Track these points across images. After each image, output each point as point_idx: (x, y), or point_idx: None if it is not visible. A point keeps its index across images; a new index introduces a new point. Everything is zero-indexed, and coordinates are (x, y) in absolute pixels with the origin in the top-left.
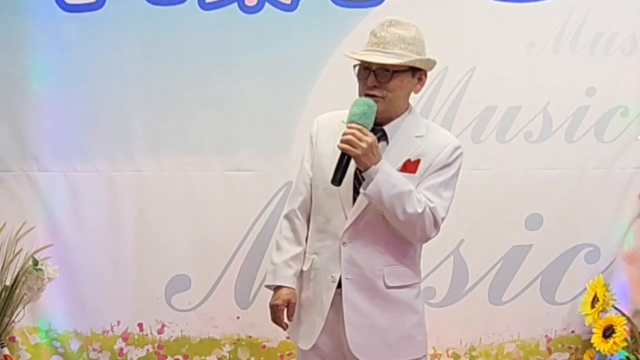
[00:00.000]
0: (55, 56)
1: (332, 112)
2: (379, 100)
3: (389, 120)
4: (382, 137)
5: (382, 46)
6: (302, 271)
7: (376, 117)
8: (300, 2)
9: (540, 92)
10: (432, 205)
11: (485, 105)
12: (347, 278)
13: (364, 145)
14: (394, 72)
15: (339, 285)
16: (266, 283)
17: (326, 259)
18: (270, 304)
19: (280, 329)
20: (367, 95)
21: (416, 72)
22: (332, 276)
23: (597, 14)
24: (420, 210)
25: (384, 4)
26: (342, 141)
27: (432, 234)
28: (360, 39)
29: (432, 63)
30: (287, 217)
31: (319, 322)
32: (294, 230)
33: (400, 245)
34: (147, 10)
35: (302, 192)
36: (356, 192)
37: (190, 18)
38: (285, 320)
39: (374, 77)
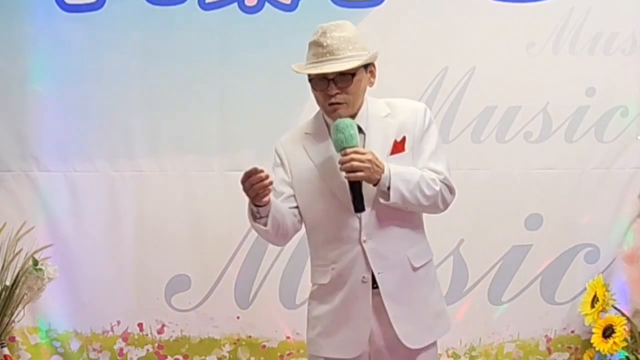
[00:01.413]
0: (55, 56)
1: (287, 131)
2: (343, 106)
3: (354, 115)
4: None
5: (334, 54)
6: (320, 285)
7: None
8: (300, 2)
9: (540, 92)
10: (442, 176)
11: (485, 105)
12: (379, 273)
13: (367, 164)
14: (353, 74)
15: (373, 284)
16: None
17: (349, 263)
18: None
19: (280, 328)
20: (330, 104)
21: (367, 67)
22: (363, 277)
23: (597, 14)
24: (437, 188)
25: (384, 4)
26: (346, 171)
27: (451, 200)
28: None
29: (376, 54)
30: None
31: (365, 325)
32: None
33: (411, 223)
34: (147, 10)
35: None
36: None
37: (190, 18)
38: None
39: (334, 84)
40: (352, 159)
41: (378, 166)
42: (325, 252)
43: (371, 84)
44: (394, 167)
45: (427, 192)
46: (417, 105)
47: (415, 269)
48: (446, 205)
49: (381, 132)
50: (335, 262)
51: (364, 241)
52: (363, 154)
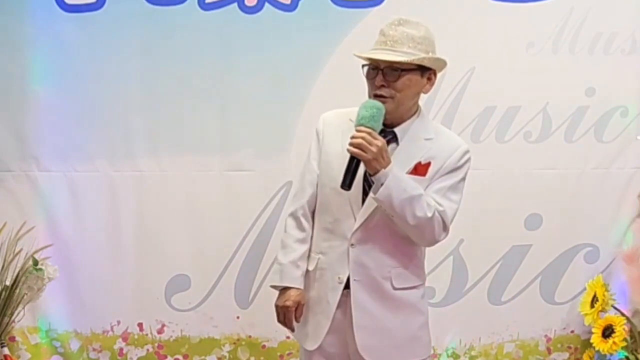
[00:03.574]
0: (55, 56)
1: (337, 109)
2: (388, 100)
3: (399, 121)
4: (392, 138)
5: (390, 44)
6: (307, 270)
7: (386, 118)
8: (300, 2)
9: (539, 92)
10: (441, 209)
11: (484, 105)
12: (355, 280)
13: (374, 149)
14: (402, 70)
15: (346, 286)
16: (272, 283)
17: (333, 259)
18: (278, 304)
19: (280, 328)
20: (375, 95)
21: (425, 72)
22: (339, 277)
23: (597, 14)
24: (430, 215)
25: (383, 4)
26: (351, 145)
27: (440, 237)
28: (360, 39)
29: (441, 63)
30: (293, 215)
31: (324, 322)
32: (300, 228)
33: (407, 247)
34: (147, 10)
35: (308, 190)
36: (365, 194)
37: (190, 18)
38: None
39: (382, 76)
40: (363, 138)
41: (383, 158)
42: (319, 240)
43: (426, 91)
44: (398, 171)
45: (417, 213)
46: (461, 144)
47: (395, 289)
48: (433, 238)
49: (413, 152)
50: (322, 253)
51: (352, 244)
52: (375, 138)
